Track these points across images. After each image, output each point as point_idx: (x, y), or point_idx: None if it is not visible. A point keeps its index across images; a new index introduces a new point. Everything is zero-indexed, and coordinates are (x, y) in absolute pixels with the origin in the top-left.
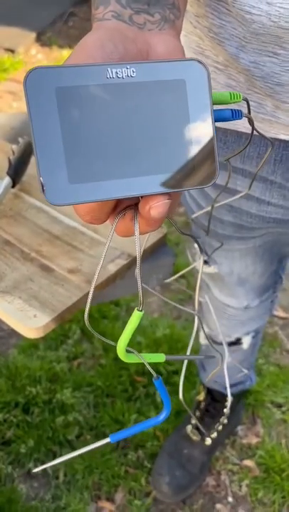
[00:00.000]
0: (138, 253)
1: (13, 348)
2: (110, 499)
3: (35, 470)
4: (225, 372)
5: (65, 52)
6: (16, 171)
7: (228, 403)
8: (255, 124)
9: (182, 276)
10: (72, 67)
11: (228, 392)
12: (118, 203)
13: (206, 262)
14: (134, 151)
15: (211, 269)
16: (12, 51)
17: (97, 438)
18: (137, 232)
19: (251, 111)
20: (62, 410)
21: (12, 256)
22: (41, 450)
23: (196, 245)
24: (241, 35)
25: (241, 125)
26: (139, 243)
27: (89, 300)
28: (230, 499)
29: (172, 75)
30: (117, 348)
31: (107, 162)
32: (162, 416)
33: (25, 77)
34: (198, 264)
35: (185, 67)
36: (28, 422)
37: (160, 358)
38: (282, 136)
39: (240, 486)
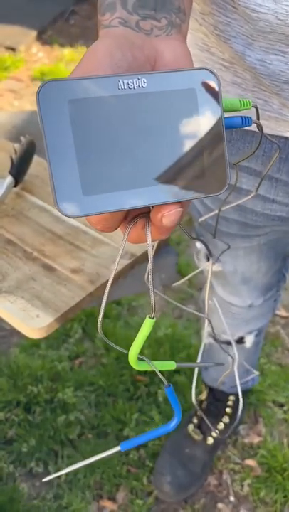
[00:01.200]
0: (150, 261)
1: (14, 347)
2: (112, 498)
3: (45, 479)
4: (236, 374)
5: (66, 51)
6: (18, 170)
7: (240, 406)
8: (262, 121)
9: (184, 276)
10: (84, 79)
11: (240, 392)
12: (129, 211)
13: (208, 260)
14: (146, 161)
15: (214, 267)
16: (13, 49)
17: (99, 437)
18: (149, 241)
19: (258, 107)
20: (63, 409)
21: (14, 255)
22: (43, 449)
23: (198, 245)
24: (248, 33)
25: None
26: (151, 251)
27: (101, 314)
28: (232, 498)
29: (183, 84)
30: (129, 356)
31: (120, 173)
32: (173, 423)
33: (38, 91)
34: (206, 266)
35: (195, 76)
36: (30, 421)
37: (171, 365)
38: None
39: (242, 486)
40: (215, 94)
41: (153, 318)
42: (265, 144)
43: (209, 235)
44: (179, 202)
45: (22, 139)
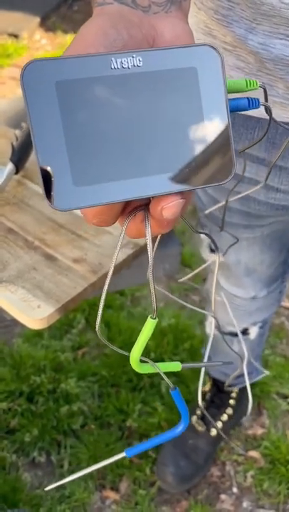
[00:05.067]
0: (150, 256)
1: (17, 337)
2: (115, 488)
3: (48, 488)
4: (244, 371)
5: (70, 38)
6: (20, 157)
7: (250, 402)
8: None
9: (188, 267)
10: (73, 58)
11: (248, 387)
12: (127, 203)
13: (212, 251)
14: (143, 148)
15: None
16: (16, 36)
17: (102, 428)
18: (148, 235)
19: (261, 92)
20: (66, 400)
21: (15, 244)
22: (45, 439)
23: (202, 236)
24: (251, 17)
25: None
26: (151, 246)
27: (99, 314)
28: (234, 490)
29: (182, 62)
30: (131, 359)
31: (114, 161)
32: (180, 428)
33: (22, 71)
34: (209, 257)
35: (196, 53)
36: (33, 411)
37: (176, 367)
38: None
39: (245, 477)
40: (218, 73)
41: (155, 318)
42: (270, 129)
43: (214, 226)
44: (181, 192)
45: (23, 125)
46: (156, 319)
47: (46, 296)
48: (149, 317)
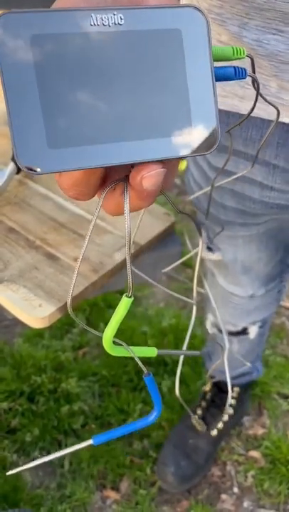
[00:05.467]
0: (127, 231)
1: (18, 337)
2: (115, 488)
3: (9, 473)
4: (225, 363)
5: None
6: None
7: (229, 394)
8: (260, 105)
9: (188, 266)
10: (51, 11)
11: (229, 383)
12: (107, 176)
13: (210, 249)
14: (123, 112)
15: (215, 256)
16: None
17: (102, 427)
18: (127, 206)
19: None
20: (67, 399)
21: (17, 244)
22: (46, 439)
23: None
24: (243, 11)
25: (244, 108)
26: (129, 219)
27: (72, 287)
28: (235, 490)
29: (166, 23)
30: (104, 339)
31: (92, 124)
32: (152, 417)
33: None
34: (199, 249)
35: (181, 15)
36: (33, 411)
37: (152, 352)
38: (287, 120)
39: (246, 477)
40: (203, 37)
41: (130, 297)
42: (263, 129)
43: (211, 224)
44: (162, 161)
45: None
46: (132, 298)
47: (48, 295)
48: (124, 295)
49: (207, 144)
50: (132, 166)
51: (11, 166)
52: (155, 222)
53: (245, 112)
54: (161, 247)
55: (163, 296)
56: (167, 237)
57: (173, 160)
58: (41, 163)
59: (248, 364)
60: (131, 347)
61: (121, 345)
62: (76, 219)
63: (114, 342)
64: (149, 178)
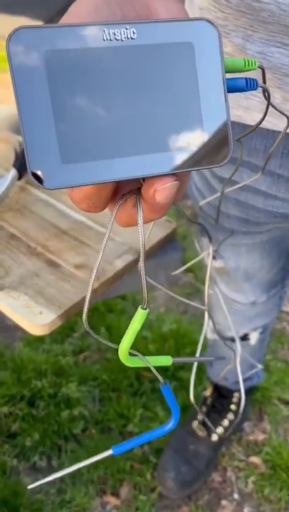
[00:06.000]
0: (142, 244)
1: (18, 341)
2: (115, 494)
3: (30, 486)
4: (238, 369)
5: None
6: (23, 163)
7: (242, 401)
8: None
9: (190, 271)
10: (64, 26)
11: (242, 388)
12: (118, 188)
13: (213, 257)
14: (135, 126)
15: (217, 263)
16: None
17: (103, 432)
18: (140, 220)
19: (260, 102)
20: (67, 404)
21: (18, 250)
22: (46, 444)
23: (203, 237)
24: (247, 24)
25: (249, 119)
26: (143, 232)
27: (86, 303)
28: (236, 496)
29: (178, 37)
30: (119, 351)
31: (105, 139)
32: (169, 425)
33: (8, 38)
34: (207, 255)
35: (193, 28)
36: (34, 416)
37: (167, 361)
38: None
39: (247, 483)
40: (215, 50)
41: (145, 308)
42: (267, 139)
43: (210, 227)
44: (175, 174)
45: None
46: (147, 310)
47: (48, 303)
48: (139, 307)
49: (220, 156)
50: (144, 178)
51: (13, 172)
52: (156, 228)
53: (251, 123)
54: (162, 253)
55: (163, 300)
56: (168, 243)
57: (186, 173)
58: (56, 179)
59: (260, 366)
60: (146, 357)
61: (136, 355)
62: (77, 226)
63: (130, 353)
64: (162, 191)
